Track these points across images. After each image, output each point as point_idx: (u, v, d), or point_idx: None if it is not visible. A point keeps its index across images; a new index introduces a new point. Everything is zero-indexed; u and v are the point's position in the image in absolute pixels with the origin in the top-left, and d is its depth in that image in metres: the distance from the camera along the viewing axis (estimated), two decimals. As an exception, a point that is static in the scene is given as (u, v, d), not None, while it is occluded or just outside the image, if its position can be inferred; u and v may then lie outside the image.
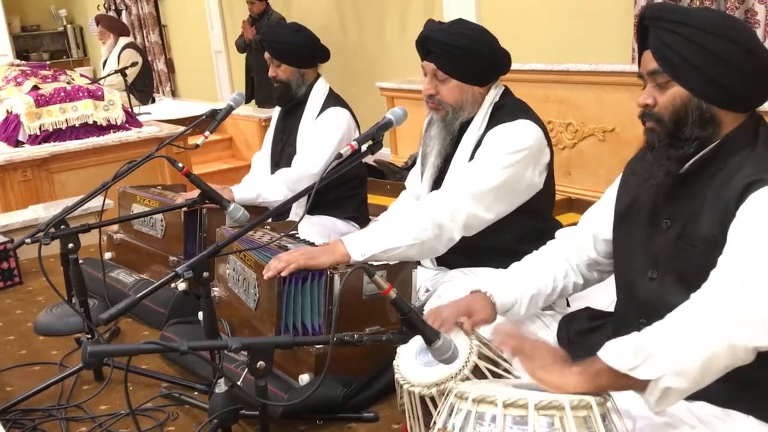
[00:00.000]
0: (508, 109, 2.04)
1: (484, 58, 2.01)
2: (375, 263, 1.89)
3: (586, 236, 1.65)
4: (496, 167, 1.94)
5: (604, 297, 1.84)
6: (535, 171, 2.00)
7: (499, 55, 2.05)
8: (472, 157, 2.03)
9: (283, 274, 1.82)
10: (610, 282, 1.64)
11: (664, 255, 1.40)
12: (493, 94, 2.06)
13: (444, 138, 2.09)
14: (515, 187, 1.97)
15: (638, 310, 1.44)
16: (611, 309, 1.65)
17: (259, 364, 1.29)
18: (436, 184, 2.14)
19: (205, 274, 1.63)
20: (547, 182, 2.06)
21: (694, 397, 1.30)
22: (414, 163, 4.41)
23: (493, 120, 2.03)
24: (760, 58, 1.30)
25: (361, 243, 1.89)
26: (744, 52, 1.29)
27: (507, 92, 2.10)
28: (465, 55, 1.98)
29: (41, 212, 3.42)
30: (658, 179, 1.36)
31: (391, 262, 1.93)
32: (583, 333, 1.64)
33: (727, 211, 1.27)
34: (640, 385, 1.17)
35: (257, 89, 6.34)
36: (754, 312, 1.16)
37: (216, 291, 2.22)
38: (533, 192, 2.02)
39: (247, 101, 6.15)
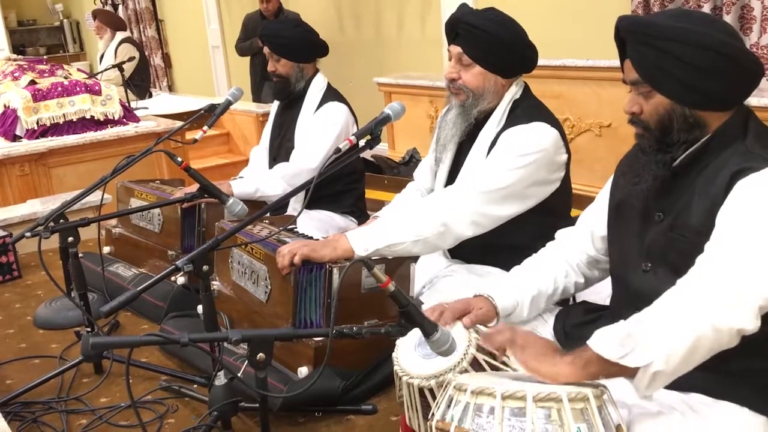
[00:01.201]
0: (526, 109, 2.02)
1: (511, 47, 1.99)
2: (375, 258, 1.90)
3: (584, 235, 1.67)
4: (507, 168, 1.93)
5: (602, 291, 1.85)
6: (550, 172, 1.98)
7: (526, 49, 2.03)
8: (488, 154, 2.02)
9: (295, 260, 1.84)
10: (608, 277, 1.65)
11: (656, 247, 1.42)
12: (514, 91, 2.04)
13: (461, 124, 2.07)
14: (527, 188, 1.96)
15: (633, 301, 1.45)
16: (607, 303, 1.66)
17: (259, 356, 1.30)
18: (452, 172, 2.13)
19: (205, 267, 1.64)
20: (563, 182, 2.04)
21: (687, 388, 1.33)
22: (411, 158, 4.44)
23: (511, 118, 2.01)
24: (736, 59, 1.31)
25: (365, 238, 1.89)
26: (719, 57, 1.30)
27: (527, 91, 2.08)
28: (492, 41, 1.96)
29: (38, 207, 3.43)
30: (647, 182, 1.39)
31: (390, 257, 1.94)
32: (579, 326, 1.66)
33: (716, 200, 1.30)
34: (629, 372, 1.20)
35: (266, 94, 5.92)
36: (737, 295, 1.18)
37: (215, 285, 2.23)
38: (548, 192, 2.01)
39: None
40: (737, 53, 1.32)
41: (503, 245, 1.98)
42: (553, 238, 1.79)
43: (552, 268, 1.67)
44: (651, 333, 1.19)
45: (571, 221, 2.15)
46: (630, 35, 1.37)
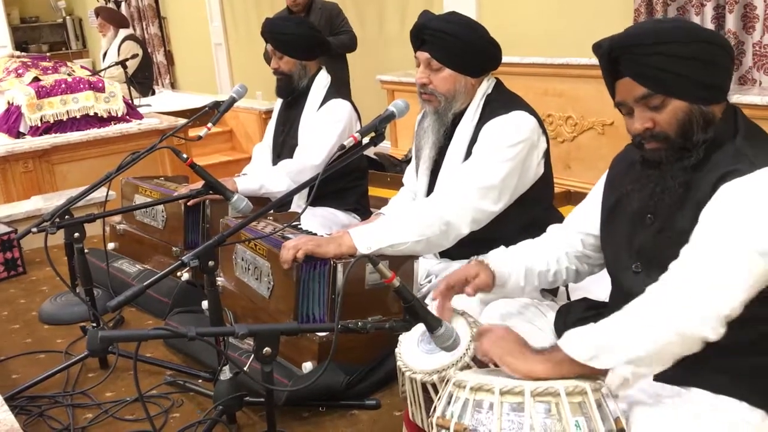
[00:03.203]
0: (501, 101, 2.07)
1: (477, 47, 2.05)
2: (378, 255, 1.92)
3: (573, 233, 1.69)
4: (499, 161, 1.97)
5: (602, 288, 1.87)
6: (535, 159, 2.04)
7: (491, 47, 2.08)
8: (468, 150, 2.06)
9: (298, 255, 1.86)
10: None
11: (646, 249, 1.43)
12: (485, 86, 2.10)
13: (438, 129, 2.11)
14: (519, 178, 2.00)
15: (626, 301, 1.47)
16: (607, 300, 1.68)
17: (265, 350, 1.31)
18: (433, 176, 2.17)
19: (211, 263, 1.66)
20: (545, 170, 2.09)
21: (688, 383, 1.34)
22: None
23: (487, 112, 2.06)
24: (725, 47, 1.35)
25: (368, 236, 1.91)
26: (716, 48, 1.33)
27: (499, 84, 2.13)
28: (459, 44, 2.01)
29: (42, 203, 3.44)
30: (677, 192, 1.36)
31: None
32: (579, 322, 1.66)
33: (701, 202, 1.31)
34: (600, 373, 1.25)
35: None
36: (702, 304, 1.21)
37: (219, 281, 2.24)
38: (535, 179, 2.06)
39: None
40: (724, 42, 1.36)
41: (489, 239, 2.01)
42: (536, 230, 1.81)
43: (545, 249, 1.70)
44: (618, 337, 1.24)
45: (554, 212, 2.18)
46: (628, 50, 1.34)
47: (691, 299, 1.22)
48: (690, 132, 1.34)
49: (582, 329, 1.29)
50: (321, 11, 4.73)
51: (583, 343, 1.26)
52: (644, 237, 1.44)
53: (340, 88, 2.87)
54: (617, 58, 1.36)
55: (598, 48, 1.39)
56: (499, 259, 1.66)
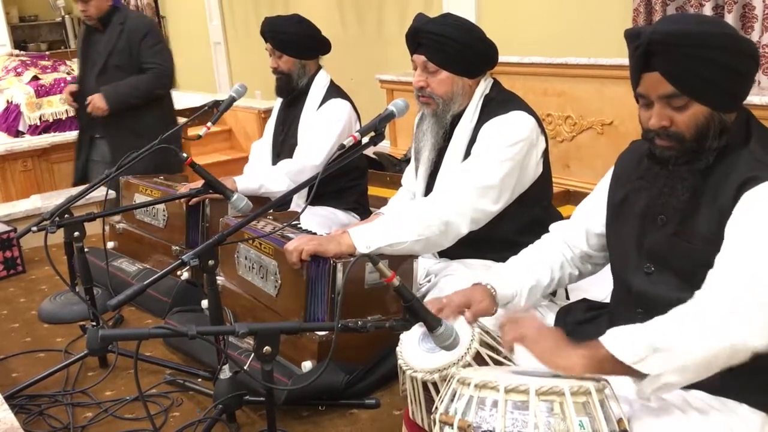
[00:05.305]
0: (500, 101, 2.07)
1: (474, 49, 2.05)
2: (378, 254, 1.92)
3: (579, 231, 1.68)
4: (498, 160, 1.96)
5: (601, 289, 1.87)
6: (534, 159, 2.04)
7: (487, 48, 2.08)
8: (467, 150, 2.06)
9: (303, 256, 1.87)
10: (608, 274, 1.66)
11: (659, 250, 1.42)
12: (483, 87, 2.10)
13: (437, 132, 2.11)
14: (518, 177, 2.00)
15: (635, 301, 1.46)
16: (608, 300, 1.68)
17: (265, 349, 1.31)
18: (431, 178, 2.17)
19: (211, 262, 1.66)
20: (544, 170, 2.09)
21: (689, 386, 1.34)
22: (413, 155, 4.44)
23: (485, 112, 2.06)
24: (757, 61, 1.33)
25: (368, 235, 1.92)
26: (752, 61, 1.32)
27: (497, 84, 2.13)
28: (455, 46, 2.01)
29: (40, 202, 3.44)
30: (683, 195, 1.35)
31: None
32: (580, 324, 1.67)
33: (724, 209, 1.30)
34: (639, 375, 1.22)
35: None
36: (754, 317, 1.19)
37: (219, 280, 2.24)
38: (534, 178, 2.06)
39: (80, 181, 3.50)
40: (757, 54, 1.34)
41: (488, 239, 2.02)
42: (535, 229, 1.81)
43: (548, 260, 1.69)
44: (669, 344, 1.21)
45: (553, 211, 2.18)
46: (668, 47, 1.30)
47: (745, 312, 1.20)
48: (705, 137, 1.32)
49: (628, 329, 1.26)
50: (121, 29, 3.53)
51: (630, 344, 1.22)
52: (656, 237, 1.42)
53: (338, 88, 2.86)
54: (653, 51, 1.31)
55: (635, 36, 1.33)
56: (503, 284, 1.63)
